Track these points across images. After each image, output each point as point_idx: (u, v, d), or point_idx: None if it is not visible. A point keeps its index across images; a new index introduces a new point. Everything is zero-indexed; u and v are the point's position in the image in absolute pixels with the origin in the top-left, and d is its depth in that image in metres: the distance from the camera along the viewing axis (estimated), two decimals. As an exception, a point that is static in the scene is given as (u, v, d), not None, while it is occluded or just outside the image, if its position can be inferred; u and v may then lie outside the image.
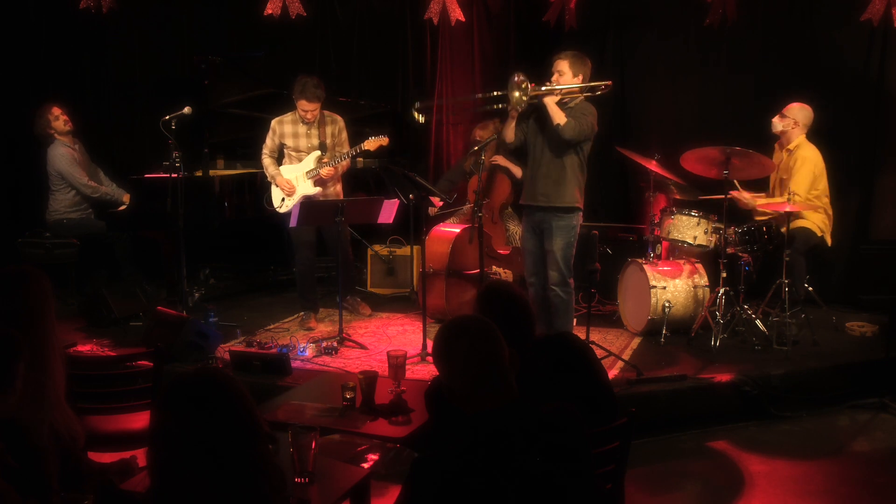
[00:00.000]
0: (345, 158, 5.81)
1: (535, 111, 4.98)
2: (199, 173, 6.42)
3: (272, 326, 5.99)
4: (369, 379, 3.41)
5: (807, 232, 5.70)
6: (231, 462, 1.87)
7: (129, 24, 7.59)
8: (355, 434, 3.27)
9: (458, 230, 6.11)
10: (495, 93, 5.03)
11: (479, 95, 5.33)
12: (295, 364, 4.96)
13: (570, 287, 5.05)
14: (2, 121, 7.36)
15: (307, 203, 5.59)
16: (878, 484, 4.14)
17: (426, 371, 4.86)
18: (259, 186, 6.38)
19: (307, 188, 5.81)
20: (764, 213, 5.67)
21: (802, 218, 5.71)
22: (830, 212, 5.81)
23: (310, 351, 5.24)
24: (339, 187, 6.02)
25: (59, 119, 6.48)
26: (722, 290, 5.45)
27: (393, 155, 6.97)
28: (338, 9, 7.60)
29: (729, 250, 5.50)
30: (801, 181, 5.63)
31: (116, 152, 7.67)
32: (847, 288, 6.43)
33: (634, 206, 6.80)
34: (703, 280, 5.75)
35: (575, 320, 5.26)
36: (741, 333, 5.50)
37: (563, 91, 4.92)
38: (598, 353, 4.79)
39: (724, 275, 5.44)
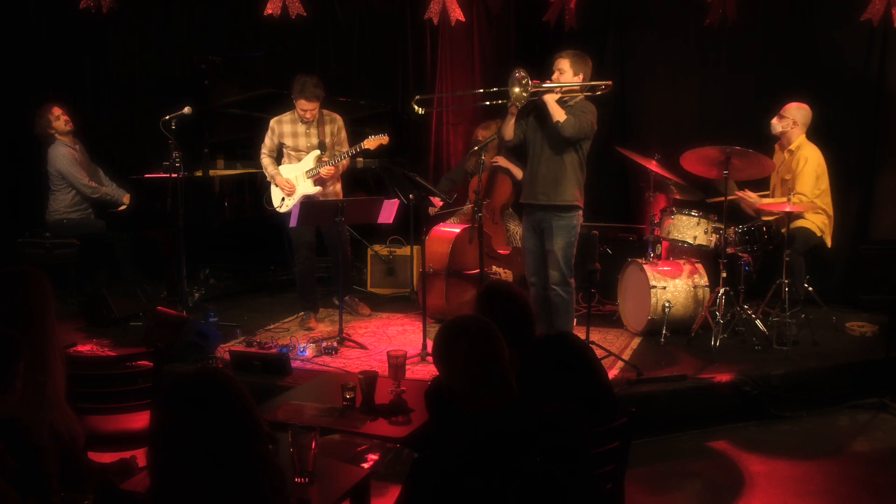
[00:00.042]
0: (344, 157, 5.81)
1: (535, 109, 4.98)
2: (199, 173, 6.42)
3: (272, 326, 5.99)
4: (369, 379, 3.41)
5: (807, 232, 5.70)
6: (231, 462, 1.87)
7: (129, 24, 7.59)
8: (355, 434, 3.27)
9: (458, 230, 6.11)
10: (496, 89, 5.03)
11: (480, 91, 5.32)
12: (295, 364, 4.96)
13: (571, 287, 5.05)
14: (2, 121, 7.36)
15: (307, 203, 5.59)
16: (878, 484, 4.14)
17: (426, 371, 4.86)
18: (259, 186, 6.38)
19: (307, 187, 5.81)
20: (771, 214, 5.65)
21: (803, 218, 5.71)
22: (831, 212, 5.80)
23: (310, 351, 5.24)
24: (338, 186, 6.02)
25: (59, 119, 6.48)
26: (722, 290, 5.45)
27: (393, 155, 6.97)
28: (338, 9, 7.60)
29: (729, 250, 5.50)
30: (807, 181, 5.63)
31: (116, 152, 7.66)
32: (847, 288, 6.43)
33: (634, 206, 6.80)
34: (703, 280, 5.75)
35: (575, 320, 5.26)
36: (741, 333, 5.50)
37: (564, 89, 4.92)
38: (598, 353, 4.79)
39: (724, 275, 5.44)
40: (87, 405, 3.43)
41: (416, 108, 5.20)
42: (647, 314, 5.64)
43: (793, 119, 5.74)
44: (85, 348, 5.28)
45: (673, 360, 5.23)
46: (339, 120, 5.93)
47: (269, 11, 6.81)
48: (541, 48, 6.32)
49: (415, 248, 6.77)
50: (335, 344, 5.33)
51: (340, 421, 3.26)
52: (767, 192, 5.94)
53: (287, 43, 7.39)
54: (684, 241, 5.69)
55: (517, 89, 4.74)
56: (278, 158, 5.92)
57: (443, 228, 6.24)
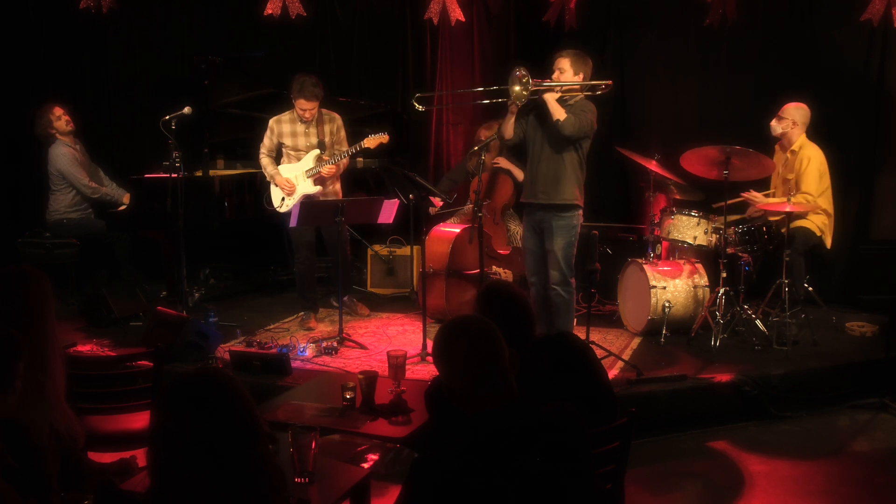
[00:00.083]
0: (344, 156, 5.81)
1: (535, 108, 4.98)
2: (199, 173, 6.42)
3: (272, 326, 6.00)
4: (369, 379, 3.41)
5: (806, 232, 5.70)
6: (231, 462, 1.87)
7: (129, 24, 7.59)
8: (355, 434, 3.27)
9: (458, 230, 6.11)
10: (496, 87, 5.03)
11: (481, 89, 5.32)
12: (295, 364, 4.96)
13: (571, 286, 5.05)
14: (2, 121, 7.35)
15: (307, 203, 5.59)
16: (878, 484, 4.14)
17: (426, 371, 4.86)
18: (259, 186, 6.38)
19: (307, 187, 5.81)
20: (777, 214, 5.64)
21: (803, 218, 5.71)
22: (832, 212, 5.80)
23: (310, 351, 5.24)
24: (337, 186, 6.02)
25: (60, 119, 6.48)
26: (722, 290, 5.45)
27: (393, 155, 6.97)
28: (338, 9, 7.60)
29: (729, 250, 5.50)
30: (811, 181, 5.63)
31: (116, 152, 7.66)
32: (847, 288, 6.43)
33: (634, 206, 6.80)
34: (703, 280, 5.75)
35: (575, 320, 5.26)
36: (741, 333, 5.50)
37: (564, 88, 4.92)
38: (598, 353, 4.79)
39: (724, 275, 5.43)
40: (87, 405, 3.43)
41: (416, 105, 5.20)
42: (647, 314, 5.64)
43: (792, 119, 5.73)
44: (85, 348, 5.28)
45: (673, 360, 5.23)
46: (339, 119, 5.93)
47: (269, 11, 6.81)
48: (541, 48, 6.32)
49: (415, 248, 6.77)
50: (335, 344, 5.33)
51: (340, 421, 3.26)
52: (771, 192, 5.92)
53: (287, 43, 7.39)
54: (684, 241, 5.69)
55: (517, 88, 4.74)
56: (277, 158, 5.92)
57: (443, 228, 6.24)
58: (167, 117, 5.71)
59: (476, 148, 5.37)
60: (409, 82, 7.53)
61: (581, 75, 4.94)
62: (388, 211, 5.65)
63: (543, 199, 4.98)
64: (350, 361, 5.11)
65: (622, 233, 6.58)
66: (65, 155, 6.46)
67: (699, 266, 5.83)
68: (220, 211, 6.35)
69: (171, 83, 7.30)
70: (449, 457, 2.03)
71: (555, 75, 4.96)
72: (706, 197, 5.94)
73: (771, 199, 5.74)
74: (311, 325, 5.91)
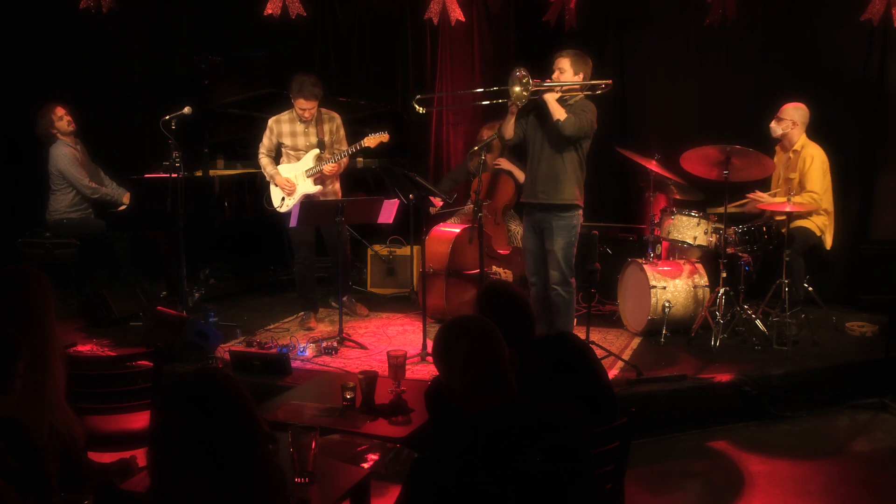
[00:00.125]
0: (344, 156, 5.80)
1: (535, 108, 4.98)
2: (199, 173, 6.42)
3: (272, 326, 6.00)
4: (369, 379, 3.41)
5: (806, 232, 5.70)
6: (231, 462, 1.87)
7: (129, 24, 7.58)
8: (355, 434, 3.27)
9: (458, 230, 6.11)
10: (496, 88, 5.02)
11: (481, 90, 5.32)
12: (295, 364, 4.96)
13: (571, 286, 5.05)
14: (2, 121, 7.35)
15: (307, 203, 5.59)
16: (878, 484, 4.14)
17: (426, 371, 4.86)
18: (259, 186, 6.38)
19: (307, 187, 5.81)
20: (782, 213, 5.63)
21: (806, 217, 5.70)
22: (832, 210, 5.79)
23: (310, 351, 5.24)
24: (337, 186, 6.01)
25: (62, 119, 6.49)
26: (722, 290, 5.45)
27: (393, 155, 6.97)
28: (338, 9, 7.59)
29: (729, 250, 5.50)
30: (816, 180, 5.63)
31: (116, 152, 7.66)
32: (847, 288, 6.43)
33: (634, 206, 6.80)
34: (703, 280, 5.75)
35: (575, 320, 5.26)
36: (741, 333, 5.50)
37: (564, 88, 4.92)
38: (598, 353, 4.79)
39: (724, 275, 5.44)
40: (87, 405, 3.43)
41: (416, 107, 5.20)
42: (647, 314, 5.64)
43: (791, 120, 5.73)
44: (85, 348, 5.28)
45: (673, 360, 5.23)
46: (338, 118, 5.93)
47: (269, 11, 6.81)
48: (541, 48, 6.32)
49: (415, 248, 6.77)
50: (335, 344, 5.33)
51: (340, 421, 3.26)
52: (774, 193, 5.91)
53: (287, 43, 7.39)
54: (684, 242, 5.69)
55: (518, 88, 4.74)
56: (277, 158, 5.91)
57: (443, 228, 6.24)
58: (167, 117, 5.71)
59: (476, 148, 5.37)
60: (409, 82, 7.53)
61: (581, 75, 4.94)
62: (388, 211, 5.65)
63: (543, 199, 4.98)
64: (350, 361, 5.11)
65: (622, 233, 6.58)
66: (65, 155, 6.46)
67: (699, 266, 5.83)
68: (220, 211, 6.35)
69: (171, 83, 7.30)
70: (449, 457, 2.03)
71: (555, 75, 4.96)
72: (706, 197, 5.94)
73: (777, 199, 5.71)
74: (311, 325, 5.91)
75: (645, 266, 5.73)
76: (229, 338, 5.56)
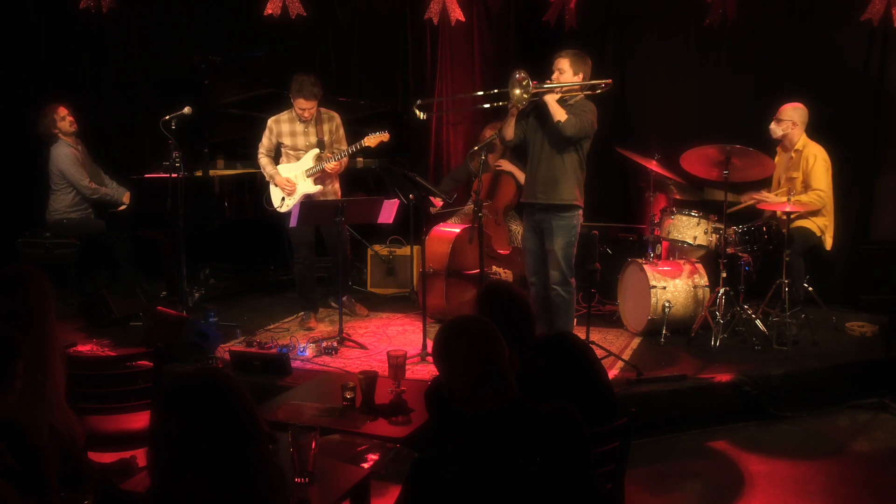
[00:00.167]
0: (345, 155, 5.80)
1: (535, 109, 4.98)
2: (199, 173, 6.42)
3: (272, 326, 5.99)
4: (369, 379, 3.41)
5: (806, 232, 5.70)
6: (231, 462, 1.87)
7: (129, 24, 7.59)
8: (355, 434, 3.27)
9: (458, 230, 6.11)
10: (496, 90, 5.02)
11: (481, 93, 5.32)
12: (295, 364, 4.96)
13: (571, 286, 5.05)
14: (2, 121, 7.35)
15: (307, 203, 5.59)
16: (878, 484, 4.14)
17: (426, 371, 4.86)
18: (259, 186, 6.38)
19: (307, 186, 5.81)
20: (791, 213, 5.62)
21: (813, 216, 5.70)
22: (832, 210, 5.79)
23: (310, 351, 5.24)
24: (337, 186, 6.01)
25: (65, 120, 6.49)
26: (722, 290, 5.45)
27: (393, 155, 6.97)
28: (338, 9, 7.59)
29: (729, 250, 5.50)
30: (821, 177, 5.64)
31: (116, 152, 7.66)
32: (847, 288, 6.43)
33: (634, 206, 6.80)
34: (703, 280, 5.75)
35: (575, 320, 5.26)
36: (741, 333, 5.50)
37: (564, 89, 4.92)
38: (598, 353, 4.79)
39: (724, 275, 5.44)
40: (87, 405, 3.43)
41: (417, 113, 5.19)
42: (647, 314, 5.64)
43: (791, 120, 5.73)
44: (85, 348, 5.28)
45: (673, 360, 5.23)
46: (337, 118, 5.93)
47: (269, 11, 6.81)
48: (541, 48, 6.32)
49: (415, 248, 6.77)
50: (335, 344, 5.33)
51: (340, 421, 3.26)
52: (778, 192, 5.90)
53: (287, 43, 7.39)
54: (684, 241, 5.69)
55: (518, 91, 4.74)
56: (276, 158, 5.91)
57: (443, 228, 6.24)
58: (167, 117, 5.71)
59: (476, 148, 5.36)
60: (409, 82, 7.53)
61: (581, 75, 4.94)
62: (388, 211, 5.64)
63: (543, 200, 4.98)
64: (350, 361, 5.11)
65: (622, 233, 6.58)
66: (66, 155, 6.47)
67: (699, 266, 5.83)
68: (220, 211, 6.35)
69: (171, 83, 7.30)
70: (449, 457, 2.03)
71: (554, 76, 4.95)
72: (705, 197, 5.94)
73: (784, 199, 5.66)
74: (311, 325, 5.91)
75: (645, 266, 5.73)
76: (229, 338, 5.56)
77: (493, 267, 6.13)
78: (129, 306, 6.03)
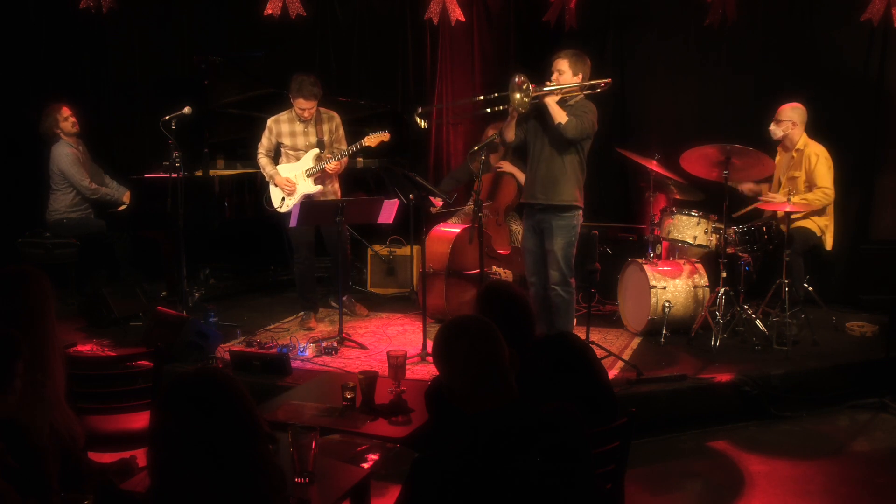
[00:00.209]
0: (345, 155, 5.80)
1: (535, 110, 4.97)
2: (199, 173, 6.42)
3: (272, 326, 5.99)
4: (369, 379, 3.41)
5: (806, 232, 5.69)
6: (231, 462, 1.87)
7: (129, 24, 7.58)
8: (355, 434, 3.27)
9: (457, 230, 6.11)
10: (496, 94, 5.02)
11: (481, 98, 5.31)
12: (295, 364, 4.96)
13: (571, 286, 5.05)
14: (2, 121, 7.35)
15: (307, 203, 5.59)
16: (878, 484, 4.14)
17: (426, 371, 4.86)
18: (259, 186, 6.38)
19: (307, 187, 5.81)
20: (799, 213, 5.63)
21: (805, 217, 5.70)
22: (832, 207, 5.78)
23: (310, 351, 5.24)
24: (337, 186, 6.01)
25: (67, 120, 6.50)
26: (722, 290, 5.45)
27: (393, 155, 6.97)
28: (338, 9, 7.59)
29: (729, 250, 5.50)
30: (825, 175, 5.63)
31: (116, 152, 7.66)
32: (847, 288, 6.43)
33: (634, 206, 6.80)
34: (703, 280, 5.75)
35: (575, 320, 5.26)
36: (741, 333, 5.50)
37: (564, 90, 4.92)
38: (598, 353, 4.79)
39: (724, 275, 5.44)
40: (87, 405, 3.43)
41: (418, 121, 5.19)
42: (647, 314, 5.64)
43: (790, 121, 5.73)
44: (85, 348, 5.28)
45: (673, 360, 5.23)
46: (337, 117, 5.93)
47: (269, 11, 6.81)
48: (541, 48, 6.32)
49: (415, 248, 6.77)
50: (335, 344, 5.33)
51: (340, 421, 3.26)
52: (783, 191, 5.90)
53: (287, 43, 7.39)
54: (684, 241, 5.69)
55: (518, 95, 4.74)
56: (276, 158, 5.91)
57: (443, 228, 6.24)
58: (167, 117, 5.71)
59: (477, 148, 5.36)
60: (409, 82, 7.53)
61: (580, 76, 4.94)
62: (388, 211, 5.64)
63: (542, 200, 4.98)
64: (350, 361, 5.11)
65: (622, 233, 6.58)
66: (67, 155, 6.47)
67: (699, 266, 5.83)
68: (220, 211, 6.35)
69: (171, 83, 7.30)
70: (449, 457, 2.03)
71: (554, 76, 4.95)
72: (706, 197, 5.94)
73: (793, 199, 5.65)
74: (311, 325, 5.91)
75: (645, 266, 5.73)
76: (229, 338, 5.56)
77: (493, 267, 6.13)
78: (129, 306, 6.03)
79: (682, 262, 5.86)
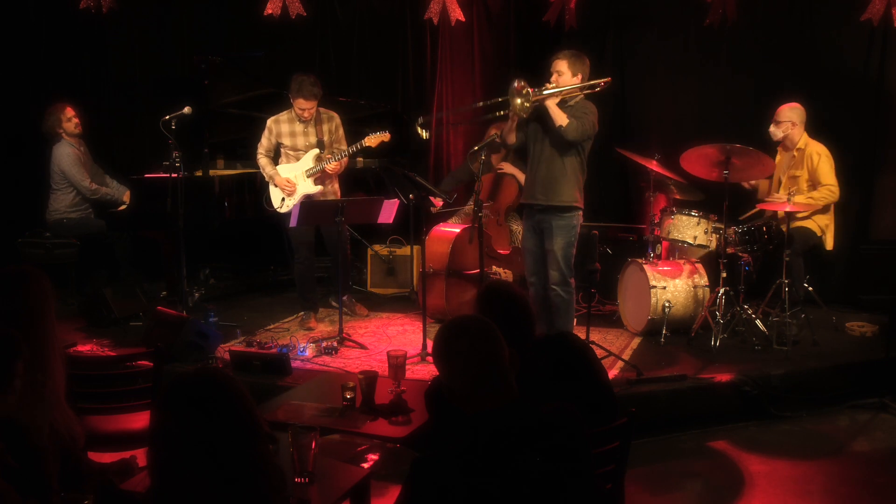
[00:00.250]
0: (345, 155, 5.80)
1: (535, 111, 4.97)
2: (199, 173, 6.42)
3: (272, 326, 5.99)
4: (369, 379, 3.41)
5: (806, 232, 5.69)
6: (231, 462, 1.87)
7: (129, 24, 7.58)
8: (355, 434, 3.27)
9: (457, 230, 6.11)
10: (499, 99, 5.01)
11: (481, 103, 5.32)
12: (295, 364, 4.96)
13: (570, 286, 5.05)
14: (2, 121, 7.35)
15: (307, 203, 5.59)
16: (878, 484, 4.14)
17: (426, 371, 4.86)
18: (259, 186, 6.38)
19: (307, 187, 5.80)
20: (804, 212, 5.62)
21: (823, 213, 5.70)
22: (833, 207, 5.78)
23: (310, 351, 5.24)
24: (337, 186, 6.01)
25: (70, 121, 6.50)
26: (722, 290, 5.45)
27: (393, 155, 6.97)
28: (338, 9, 7.59)
29: (729, 250, 5.50)
30: (828, 173, 5.64)
31: (116, 152, 7.66)
32: (847, 288, 6.43)
33: (634, 206, 6.80)
34: (703, 280, 5.75)
35: (575, 320, 5.26)
36: (741, 333, 5.50)
37: (564, 92, 4.92)
38: (598, 353, 4.79)
39: (724, 275, 5.44)
40: (87, 405, 3.43)
41: (420, 131, 5.19)
42: (647, 314, 5.64)
43: (790, 121, 5.73)
44: (85, 348, 5.28)
45: (673, 360, 5.23)
46: (337, 118, 5.93)
47: (269, 11, 6.81)
48: (541, 48, 6.32)
49: (415, 248, 6.77)
50: (335, 344, 5.33)
51: (340, 421, 3.26)
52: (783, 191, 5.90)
53: (287, 43, 7.39)
54: (684, 241, 5.69)
55: (518, 100, 4.73)
56: (275, 159, 5.91)
57: (443, 228, 6.24)
58: (167, 117, 5.71)
59: (477, 148, 5.36)
60: (409, 82, 7.53)
61: (579, 76, 4.94)
62: (388, 211, 5.64)
63: (542, 201, 4.98)
64: (350, 361, 5.11)
65: (622, 233, 6.58)
66: (69, 155, 6.48)
67: (699, 266, 5.83)
68: (220, 211, 6.35)
69: (171, 83, 7.30)
70: (449, 457, 2.03)
71: (553, 78, 4.95)
72: (706, 197, 5.94)
73: (799, 198, 5.63)
74: (311, 325, 5.91)
75: (645, 266, 5.73)
76: (229, 338, 5.56)
77: (493, 267, 6.13)
78: (129, 306, 6.03)
79: (682, 262, 5.86)
